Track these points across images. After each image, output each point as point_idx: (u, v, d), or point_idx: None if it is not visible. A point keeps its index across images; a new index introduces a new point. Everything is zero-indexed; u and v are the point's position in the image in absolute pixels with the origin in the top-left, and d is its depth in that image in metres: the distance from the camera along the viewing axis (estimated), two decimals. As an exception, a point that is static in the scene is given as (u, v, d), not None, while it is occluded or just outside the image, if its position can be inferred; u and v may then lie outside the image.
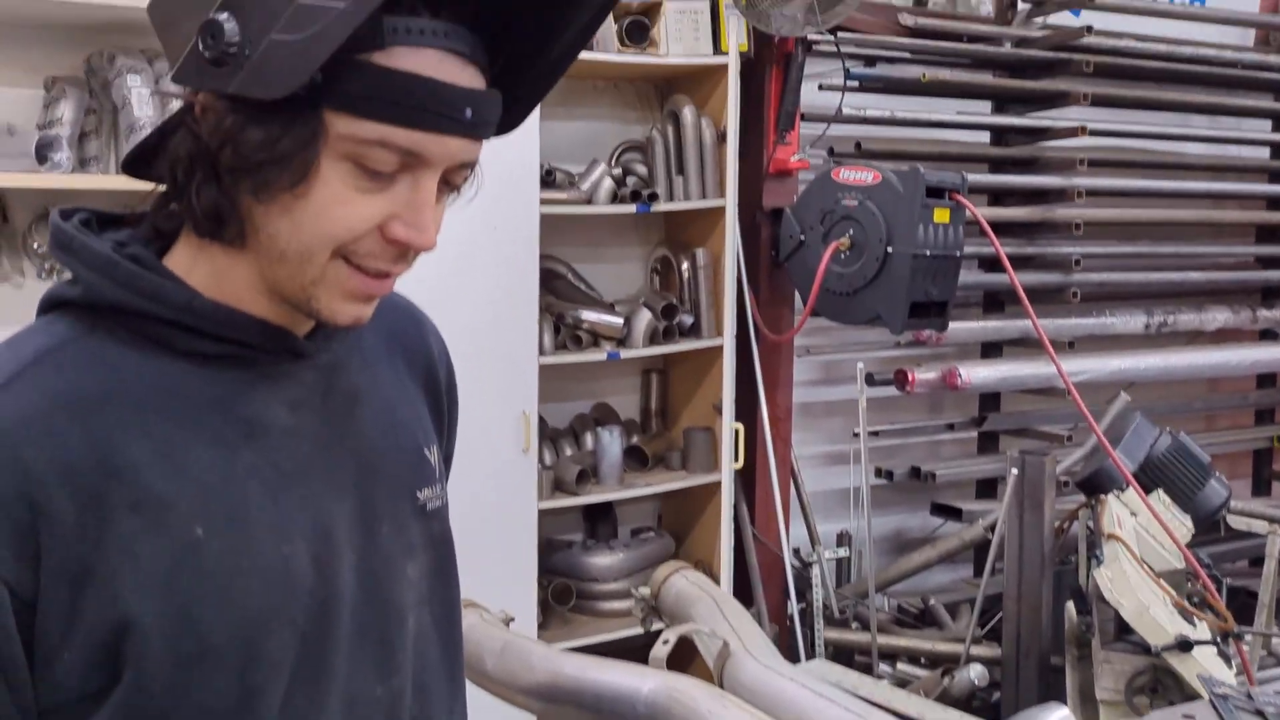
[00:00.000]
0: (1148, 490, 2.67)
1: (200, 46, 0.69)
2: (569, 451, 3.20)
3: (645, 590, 2.15)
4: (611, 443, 3.08)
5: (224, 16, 0.69)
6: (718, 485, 3.20)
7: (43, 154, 2.23)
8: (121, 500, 0.72)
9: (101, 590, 0.71)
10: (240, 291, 0.78)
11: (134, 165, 0.80)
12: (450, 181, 0.78)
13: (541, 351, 2.91)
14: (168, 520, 0.73)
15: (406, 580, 0.86)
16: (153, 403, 0.75)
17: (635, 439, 3.28)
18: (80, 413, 0.72)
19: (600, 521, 3.27)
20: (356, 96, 0.70)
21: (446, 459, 1.00)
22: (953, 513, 3.67)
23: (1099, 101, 3.74)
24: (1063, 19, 3.80)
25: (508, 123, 0.83)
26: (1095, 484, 2.73)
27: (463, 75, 0.73)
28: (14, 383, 0.72)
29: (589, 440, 3.20)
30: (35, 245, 2.44)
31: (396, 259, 0.77)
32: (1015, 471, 2.70)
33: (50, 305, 0.79)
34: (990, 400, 3.92)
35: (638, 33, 3.05)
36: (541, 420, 3.03)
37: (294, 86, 0.68)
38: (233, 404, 0.78)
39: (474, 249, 2.71)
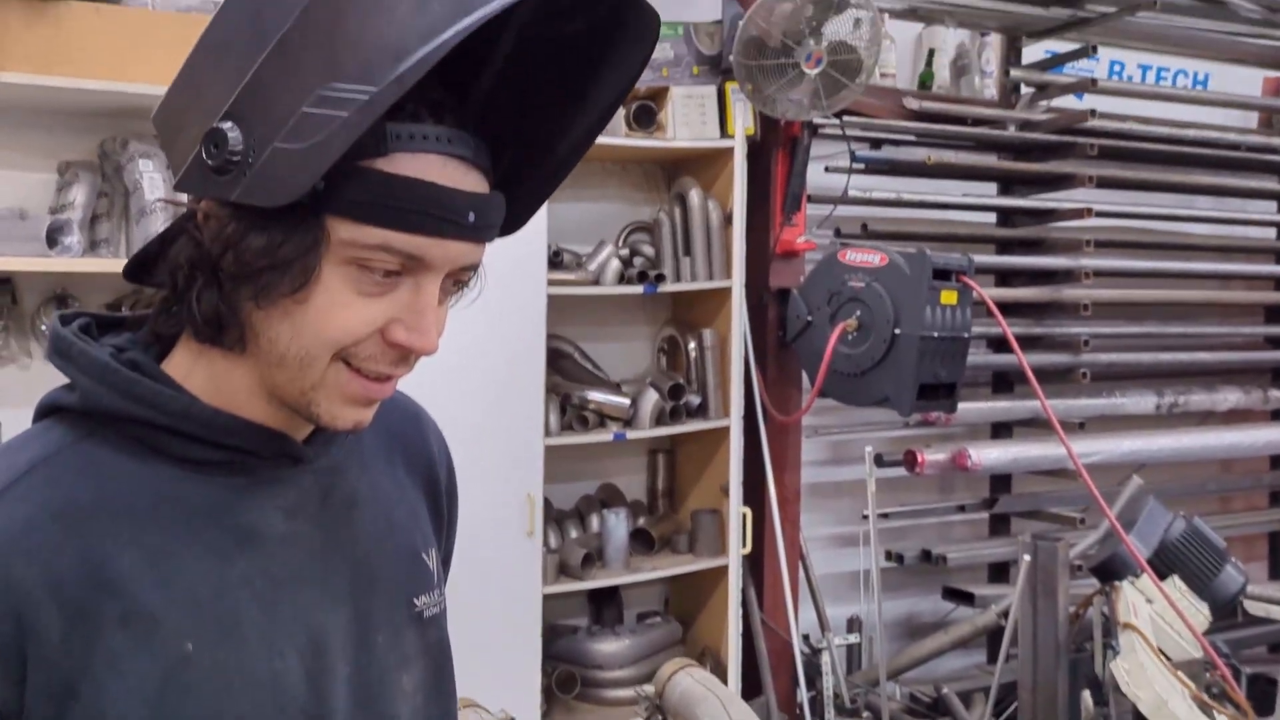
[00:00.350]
0: (1163, 576, 2.62)
1: (204, 155, 0.70)
2: (574, 534, 3.16)
3: (650, 688, 2.11)
4: (617, 525, 3.05)
5: (228, 125, 0.69)
6: (725, 569, 3.16)
7: (54, 238, 2.25)
8: (111, 615, 0.70)
9: (87, 708, 0.69)
10: (239, 396, 0.77)
11: (136, 271, 0.80)
12: (454, 285, 0.79)
13: (547, 432, 2.89)
14: (157, 636, 0.71)
15: (401, 692, 0.84)
16: (146, 511, 0.74)
17: (642, 521, 3.24)
18: (72, 524, 0.71)
19: (606, 606, 3.22)
20: (358, 203, 0.70)
21: (445, 559, 0.98)
22: (965, 597, 3.61)
23: (1104, 183, 3.77)
24: (1066, 102, 3.84)
25: (512, 223, 0.83)
26: (1109, 570, 2.68)
27: (466, 180, 0.73)
28: (6, 495, 0.72)
29: (595, 522, 3.16)
30: (43, 327, 2.45)
31: (397, 362, 0.77)
32: (1028, 557, 2.65)
33: (47, 411, 0.78)
34: (1001, 481, 3.88)
35: (645, 117, 3.09)
36: (547, 502, 3.00)
37: (297, 194, 0.68)
38: (227, 511, 0.77)
39: (481, 330, 2.71)
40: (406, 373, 0.79)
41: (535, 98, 0.81)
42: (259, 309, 0.73)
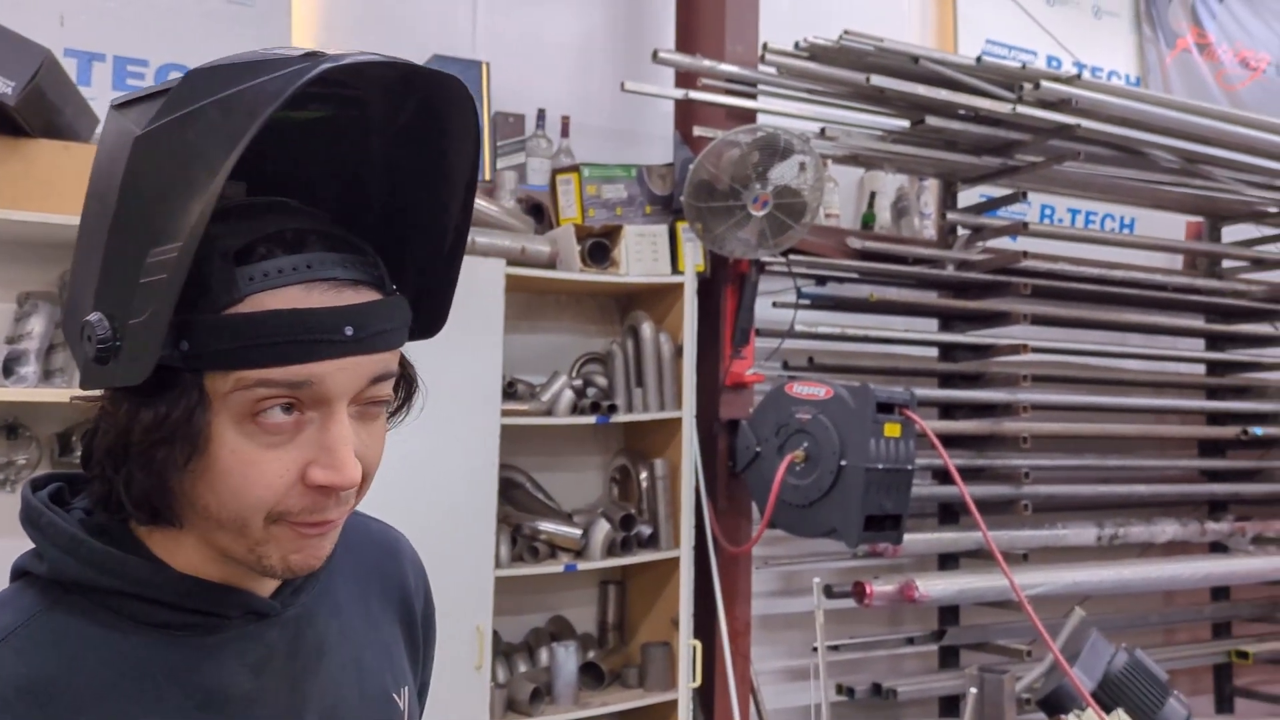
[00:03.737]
0: (1107, 709, 2.65)
1: (85, 349, 0.72)
2: (523, 668, 3.12)
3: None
4: (567, 659, 3.02)
5: (96, 317, 0.71)
6: (675, 704, 3.12)
7: (10, 367, 2.26)
8: None
9: None
10: (196, 561, 0.78)
11: (86, 465, 0.80)
12: (371, 403, 0.77)
13: (498, 563, 2.89)
14: None
15: None
16: (111, 681, 0.74)
17: (592, 654, 3.21)
18: (40, 699, 0.71)
19: (554, 741, 3.16)
20: (226, 351, 0.70)
21: (421, 689, 0.99)
22: (916, 731, 3.59)
23: (1039, 320, 3.92)
24: (1001, 243, 4.02)
25: (429, 324, 0.84)
26: (1055, 703, 2.71)
27: (336, 298, 0.73)
28: None
29: (544, 656, 3.13)
30: (-10, 456, 2.43)
31: (329, 508, 0.75)
32: (974, 690, 2.67)
33: (21, 573, 0.79)
34: (950, 613, 3.90)
35: (599, 253, 3.19)
36: (495, 635, 2.97)
37: (150, 365, 0.69)
38: (193, 674, 0.77)
39: (434, 460, 2.73)
40: (347, 512, 0.78)
41: (410, 194, 0.82)
42: (181, 482, 0.74)
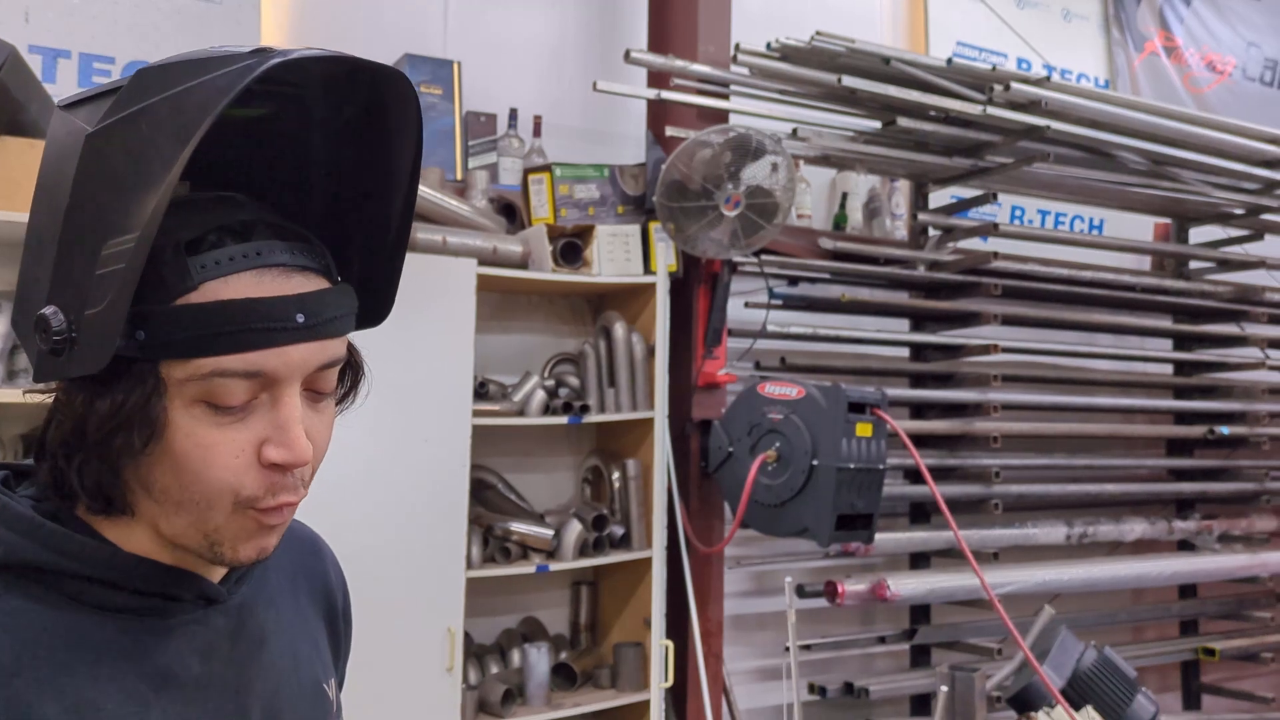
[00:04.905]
0: (1076, 707, 2.66)
1: (39, 342, 0.73)
2: (494, 669, 3.11)
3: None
4: (539, 660, 3.01)
5: (50, 310, 0.73)
6: (647, 705, 3.12)
7: (-30, 367, 2.22)
8: None
9: None
10: (147, 547, 0.79)
11: (38, 458, 0.81)
12: (318, 389, 0.79)
13: (469, 564, 2.87)
14: None
15: None
16: (66, 662, 0.75)
17: (564, 655, 3.20)
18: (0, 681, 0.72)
19: (526, 743, 3.15)
20: (179, 340, 0.72)
21: (339, 682, 1.01)
22: (887, 730, 3.60)
23: (1009, 320, 3.95)
24: (972, 243, 4.04)
25: (375, 313, 0.86)
26: (1025, 701, 2.72)
27: (286, 285, 0.75)
28: None
29: (516, 657, 3.12)
30: (-48, 457, 2.40)
31: (287, 488, 0.78)
32: (945, 688, 2.68)
33: None
34: (921, 612, 3.92)
35: (571, 253, 3.18)
36: (467, 636, 2.96)
37: (109, 353, 0.70)
38: (145, 656, 0.78)
39: (405, 460, 2.71)
40: (301, 495, 0.79)
41: (353, 188, 0.84)
42: (137, 469, 0.75)
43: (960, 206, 4.00)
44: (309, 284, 0.77)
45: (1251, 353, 4.58)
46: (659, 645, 3.14)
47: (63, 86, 2.83)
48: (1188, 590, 4.62)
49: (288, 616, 0.92)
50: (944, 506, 2.99)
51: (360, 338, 0.86)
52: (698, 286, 3.45)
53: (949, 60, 3.65)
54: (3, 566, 0.77)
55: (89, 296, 0.71)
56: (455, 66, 3.40)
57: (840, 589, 3.41)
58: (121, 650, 0.77)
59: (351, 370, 0.85)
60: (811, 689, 3.63)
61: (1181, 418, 4.57)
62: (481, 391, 3.02)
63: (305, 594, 0.96)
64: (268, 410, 0.76)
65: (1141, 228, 4.79)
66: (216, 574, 0.84)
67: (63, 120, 0.77)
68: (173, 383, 0.73)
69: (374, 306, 0.86)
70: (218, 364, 0.73)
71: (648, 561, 3.19)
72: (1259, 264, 4.60)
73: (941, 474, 3.71)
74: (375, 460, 2.63)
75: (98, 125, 0.73)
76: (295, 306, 0.75)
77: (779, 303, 3.60)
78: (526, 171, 3.36)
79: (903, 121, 3.60)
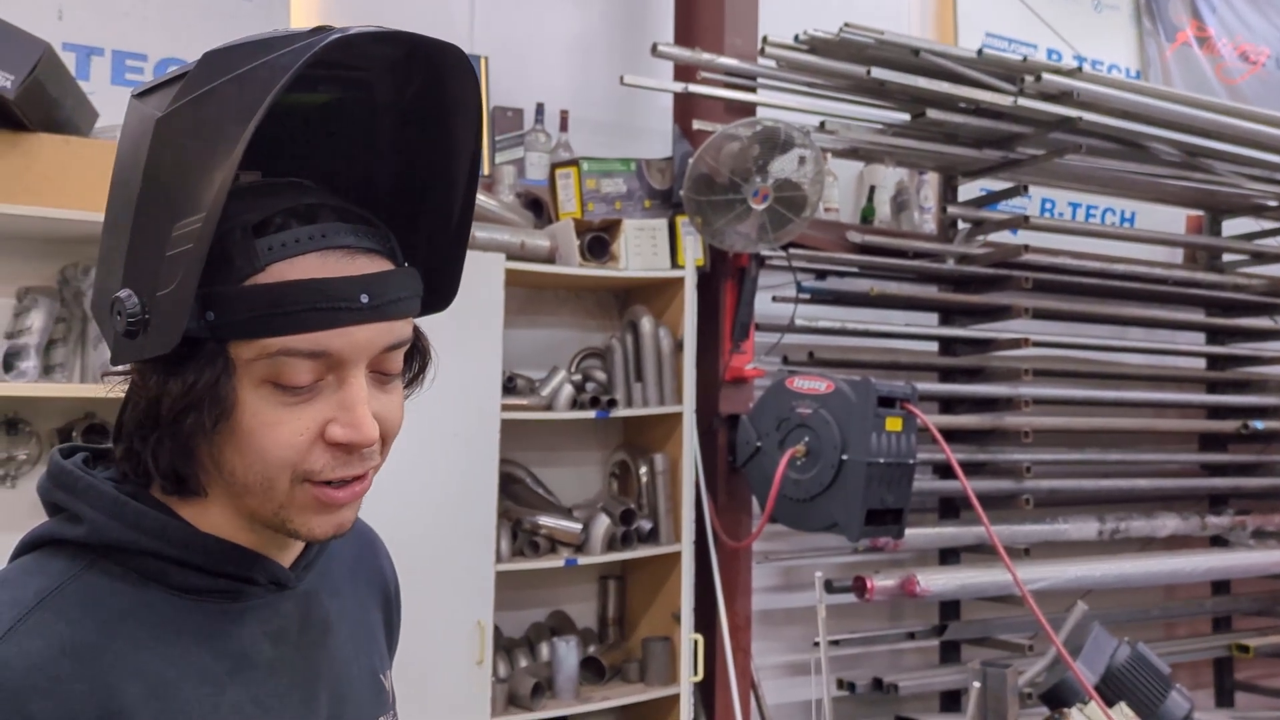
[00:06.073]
0: (1110, 703, 2.64)
1: (115, 325, 0.75)
2: (524, 663, 3.11)
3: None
4: (568, 654, 3.01)
5: (125, 293, 0.74)
6: (677, 699, 3.12)
7: (10, 362, 2.25)
8: None
9: None
10: (223, 528, 0.80)
11: (116, 443, 0.82)
12: (385, 370, 0.80)
13: (499, 558, 2.88)
14: None
15: None
16: (146, 641, 0.76)
17: (592, 649, 3.21)
18: (82, 659, 0.73)
19: (555, 737, 3.15)
20: (248, 320, 0.73)
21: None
22: (917, 726, 3.58)
23: (1040, 314, 3.91)
24: (1001, 237, 4.01)
25: (443, 295, 0.87)
26: (1058, 697, 2.70)
27: (350, 266, 0.76)
28: (18, 630, 0.72)
29: (544, 651, 3.12)
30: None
31: (350, 464, 0.78)
32: (977, 684, 2.67)
33: (36, 545, 0.80)
34: (951, 608, 3.90)
35: (598, 247, 3.18)
36: (496, 630, 2.97)
37: (179, 333, 0.72)
38: (221, 638, 0.79)
39: (434, 455, 2.72)
40: (367, 468, 0.80)
41: (419, 171, 0.86)
42: (208, 447, 0.77)
43: (990, 199, 3.97)
44: (373, 265, 0.77)
45: (1286, 346, 4.52)
46: (688, 640, 3.14)
47: (96, 84, 2.85)
48: (1221, 586, 4.57)
49: (349, 607, 0.93)
50: (975, 502, 2.97)
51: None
52: (725, 280, 3.44)
53: (979, 51, 3.62)
54: (80, 547, 0.78)
55: (160, 278, 0.72)
56: (482, 61, 3.41)
57: (869, 584, 3.39)
58: (198, 631, 0.78)
59: (419, 355, 0.86)
60: (840, 684, 3.62)
61: (1214, 412, 4.52)
62: (510, 386, 3.03)
63: (364, 585, 0.97)
64: (334, 391, 0.77)
65: (1174, 220, 4.73)
66: (288, 559, 0.85)
67: (135, 109, 0.79)
68: (241, 363, 0.74)
69: (441, 291, 0.87)
70: (284, 343, 0.74)
71: (676, 556, 3.18)
72: (1294, 256, 4.53)
73: (972, 469, 3.69)
74: (405, 454, 2.63)
75: (166, 110, 0.74)
76: (359, 287, 0.75)
77: (807, 297, 3.58)
78: (553, 166, 3.36)
79: (932, 113, 3.57)
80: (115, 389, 0.81)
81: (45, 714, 0.70)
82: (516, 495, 3.16)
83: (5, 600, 0.74)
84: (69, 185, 2.21)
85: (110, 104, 2.60)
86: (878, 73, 3.43)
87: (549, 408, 3.10)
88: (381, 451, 0.81)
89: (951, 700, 3.79)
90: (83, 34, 2.87)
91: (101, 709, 0.72)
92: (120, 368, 0.79)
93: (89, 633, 0.74)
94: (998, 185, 3.99)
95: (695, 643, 3.15)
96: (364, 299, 0.75)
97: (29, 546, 0.80)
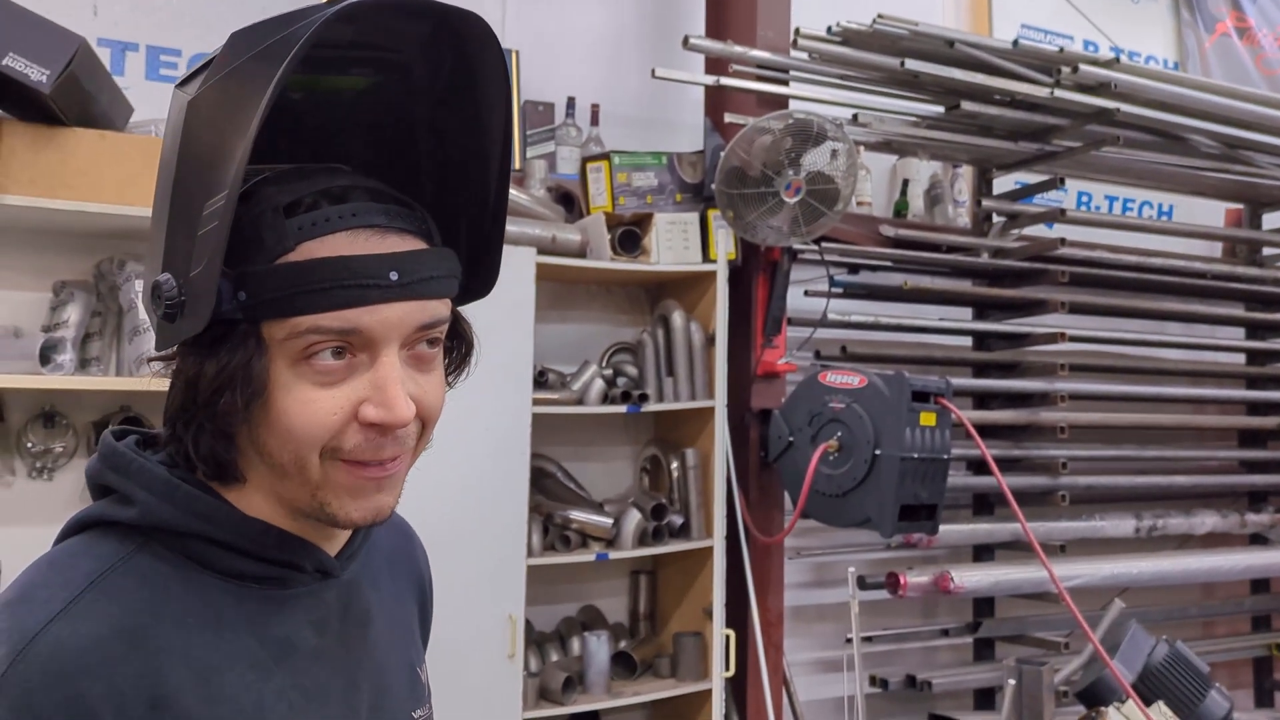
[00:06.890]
0: (1148, 702, 2.60)
1: (157, 310, 0.76)
2: (555, 657, 3.11)
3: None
4: (599, 649, 3.01)
5: (164, 277, 0.75)
6: (709, 694, 3.11)
7: (46, 355, 2.27)
8: None
9: None
10: (265, 514, 0.80)
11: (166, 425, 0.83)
12: (422, 350, 0.79)
13: (530, 552, 2.88)
14: None
15: None
16: (194, 625, 0.76)
17: (623, 644, 3.20)
18: (133, 641, 0.73)
19: (586, 731, 3.15)
20: (279, 299, 0.74)
21: None
22: (951, 723, 3.55)
23: (1076, 309, 3.86)
24: (1037, 230, 3.96)
25: (483, 282, 0.87)
26: (1095, 695, 2.66)
27: (380, 244, 0.76)
28: (70, 610, 0.72)
29: (575, 645, 3.12)
30: (29, 444, 2.45)
31: (383, 444, 0.78)
32: (1013, 682, 2.63)
33: (85, 525, 0.80)
34: (985, 604, 3.86)
35: (630, 242, 3.17)
36: (527, 624, 2.97)
37: (209, 310, 0.72)
38: (266, 624, 0.79)
39: (465, 448, 2.72)
40: (403, 450, 0.80)
41: (455, 152, 0.86)
42: (249, 432, 0.77)
43: (1025, 192, 3.92)
44: (405, 244, 0.77)
45: (1329, 341, 4.44)
46: (720, 635, 3.12)
47: (131, 78, 2.87)
48: (1260, 585, 4.49)
49: (387, 598, 0.93)
50: (1010, 498, 2.94)
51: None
52: (757, 275, 3.42)
53: (1015, 42, 3.57)
54: (129, 529, 0.78)
55: (193, 259, 0.73)
56: (513, 55, 3.40)
57: (903, 580, 3.37)
58: (245, 617, 0.78)
59: (461, 340, 0.86)
60: (873, 681, 3.59)
61: (1254, 408, 4.45)
62: (541, 380, 3.02)
63: (401, 578, 0.98)
64: (367, 370, 0.76)
65: (1212, 213, 4.66)
66: (333, 547, 0.85)
67: (175, 98, 0.80)
68: (274, 343, 0.75)
69: (481, 277, 0.87)
70: (314, 322, 0.74)
71: (707, 551, 3.17)
72: (1337, 250, 4.45)
73: (1007, 465, 3.64)
74: (437, 448, 2.63)
75: (195, 93, 0.76)
76: (389, 264, 0.75)
77: (839, 291, 3.55)
78: (584, 160, 3.35)
79: (967, 105, 3.53)
80: (153, 380, 0.81)
81: (96, 695, 0.70)
82: (547, 489, 3.15)
83: (57, 581, 0.74)
84: (104, 180, 2.22)
85: (145, 99, 2.62)
86: (911, 64, 3.39)
87: (580, 402, 3.09)
88: (422, 435, 0.81)
89: (985, 698, 3.76)
90: (117, 29, 2.90)
91: (150, 691, 0.72)
92: (161, 354, 0.79)
93: (139, 615, 0.74)
94: (1033, 178, 3.94)
95: (727, 638, 3.14)
96: (393, 276, 0.75)
97: (78, 527, 0.80)
